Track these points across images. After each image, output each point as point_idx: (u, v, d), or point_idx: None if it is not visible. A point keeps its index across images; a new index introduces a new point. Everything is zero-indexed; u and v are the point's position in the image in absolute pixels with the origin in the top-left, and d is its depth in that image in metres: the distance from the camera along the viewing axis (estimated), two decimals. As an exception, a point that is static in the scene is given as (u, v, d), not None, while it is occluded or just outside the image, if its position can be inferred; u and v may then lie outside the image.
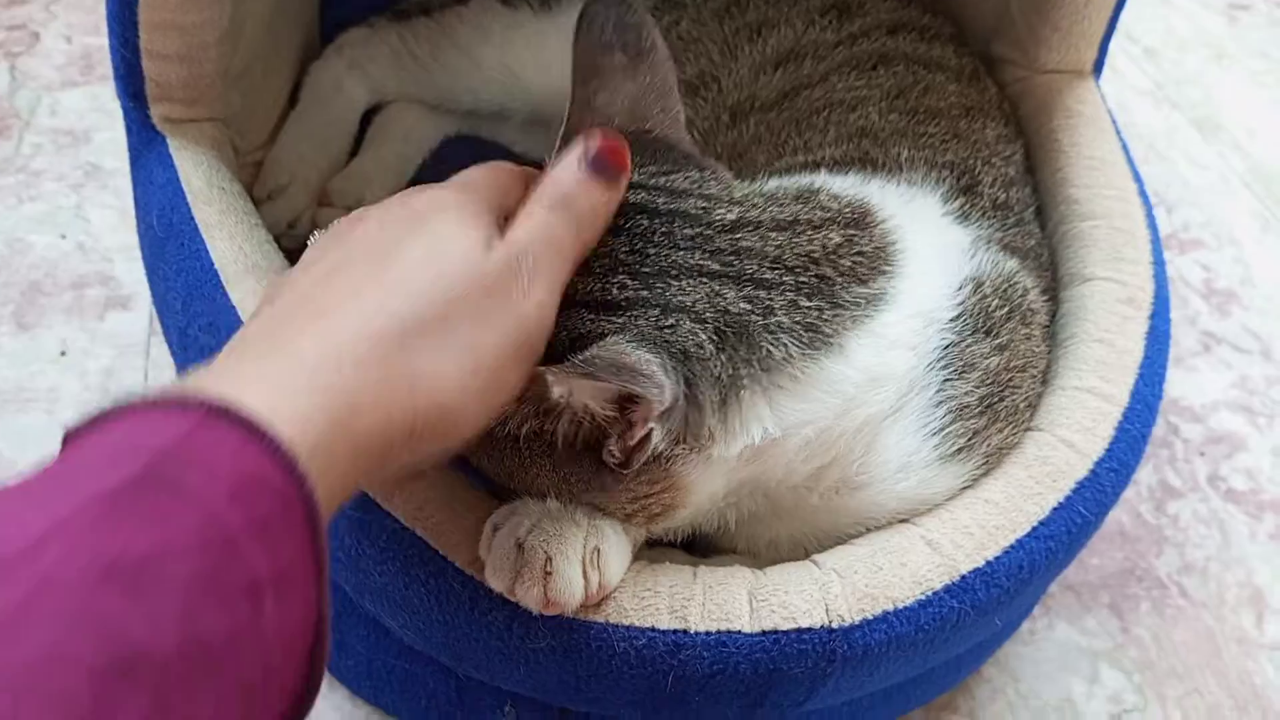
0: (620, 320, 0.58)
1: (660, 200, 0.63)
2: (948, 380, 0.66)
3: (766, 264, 0.62)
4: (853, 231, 0.65)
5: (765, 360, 0.60)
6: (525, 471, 0.61)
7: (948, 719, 0.87)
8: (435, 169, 1.06)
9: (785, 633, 0.61)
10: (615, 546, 0.61)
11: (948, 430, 0.66)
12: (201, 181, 0.77)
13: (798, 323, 0.61)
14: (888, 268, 0.65)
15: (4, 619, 0.35)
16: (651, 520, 0.63)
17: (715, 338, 0.59)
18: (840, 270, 0.63)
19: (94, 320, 1.04)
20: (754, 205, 0.64)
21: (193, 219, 0.73)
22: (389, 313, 0.49)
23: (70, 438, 0.42)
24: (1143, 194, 0.86)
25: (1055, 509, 0.67)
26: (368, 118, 1.07)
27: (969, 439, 0.67)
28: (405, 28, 1.04)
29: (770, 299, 0.61)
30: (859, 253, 0.65)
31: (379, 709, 0.83)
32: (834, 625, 0.61)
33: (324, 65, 1.05)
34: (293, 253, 0.64)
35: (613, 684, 0.61)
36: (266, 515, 0.41)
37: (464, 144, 1.09)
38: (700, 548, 0.71)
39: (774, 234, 0.63)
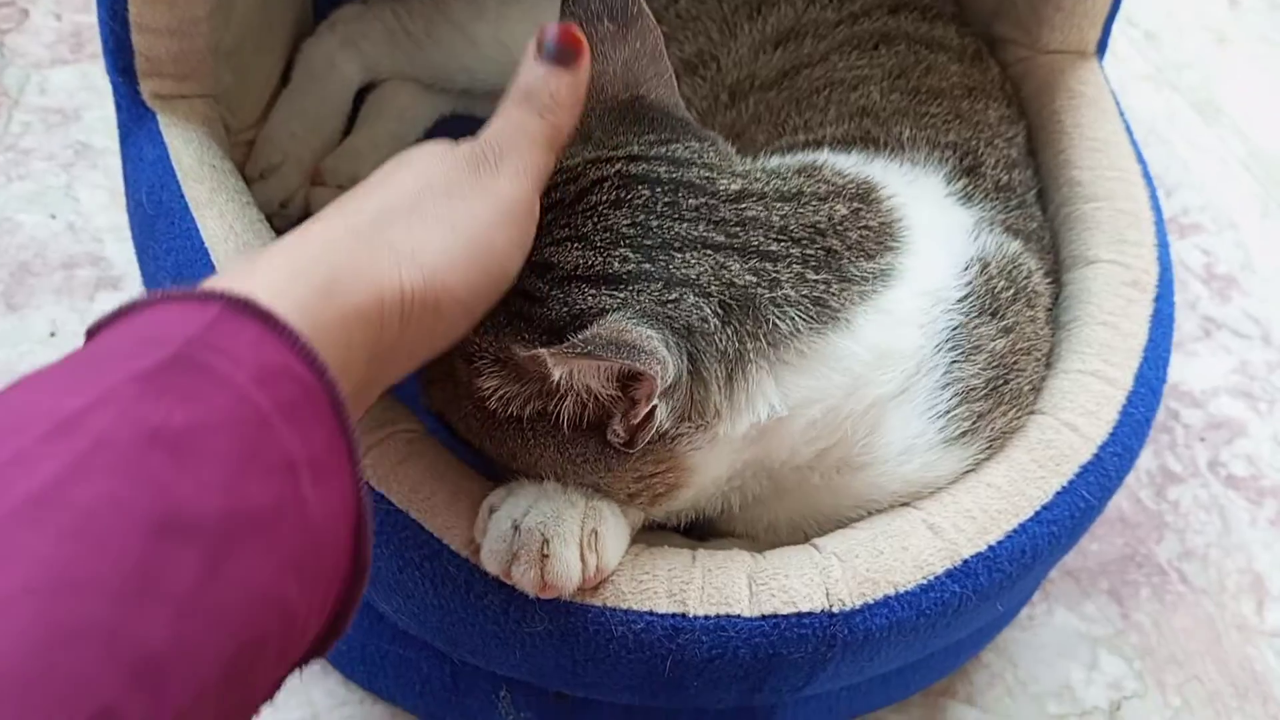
0: (622, 295, 0.57)
1: (662, 169, 0.62)
2: (955, 362, 0.65)
3: (772, 235, 0.61)
4: (858, 205, 0.65)
5: (772, 334, 0.59)
6: (529, 453, 0.60)
7: (946, 704, 0.87)
8: (429, 149, 1.04)
9: (785, 617, 0.60)
10: (614, 529, 0.61)
11: (953, 413, 0.65)
12: (192, 159, 0.76)
13: (805, 296, 0.60)
14: (894, 244, 0.64)
15: (71, 463, 0.36)
16: (655, 501, 0.62)
17: (720, 311, 0.58)
18: (847, 243, 0.62)
19: (84, 301, 1.03)
20: (757, 178, 0.64)
21: (183, 197, 0.72)
22: (361, 209, 0.53)
23: (94, 331, 0.43)
24: (1146, 176, 0.85)
25: (1058, 493, 0.66)
26: (361, 96, 1.06)
27: (973, 422, 0.66)
28: (399, 4, 1.03)
29: (777, 271, 0.60)
30: (865, 227, 0.64)
31: (373, 693, 0.82)
32: (834, 609, 0.61)
33: (317, 42, 1.03)
34: (284, 232, 0.63)
35: (610, 668, 0.61)
36: (292, 401, 0.42)
37: (458, 123, 1.08)
38: (698, 531, 0.70)
39: (779, 204, 0.62)
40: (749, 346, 0.59)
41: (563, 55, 0.59)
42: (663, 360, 0.54)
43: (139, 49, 0.76)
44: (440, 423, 0.65)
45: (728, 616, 0.60)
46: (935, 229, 0.68)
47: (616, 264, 0.58)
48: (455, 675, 0.73)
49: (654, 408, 0.56)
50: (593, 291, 0.58)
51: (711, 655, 0.60)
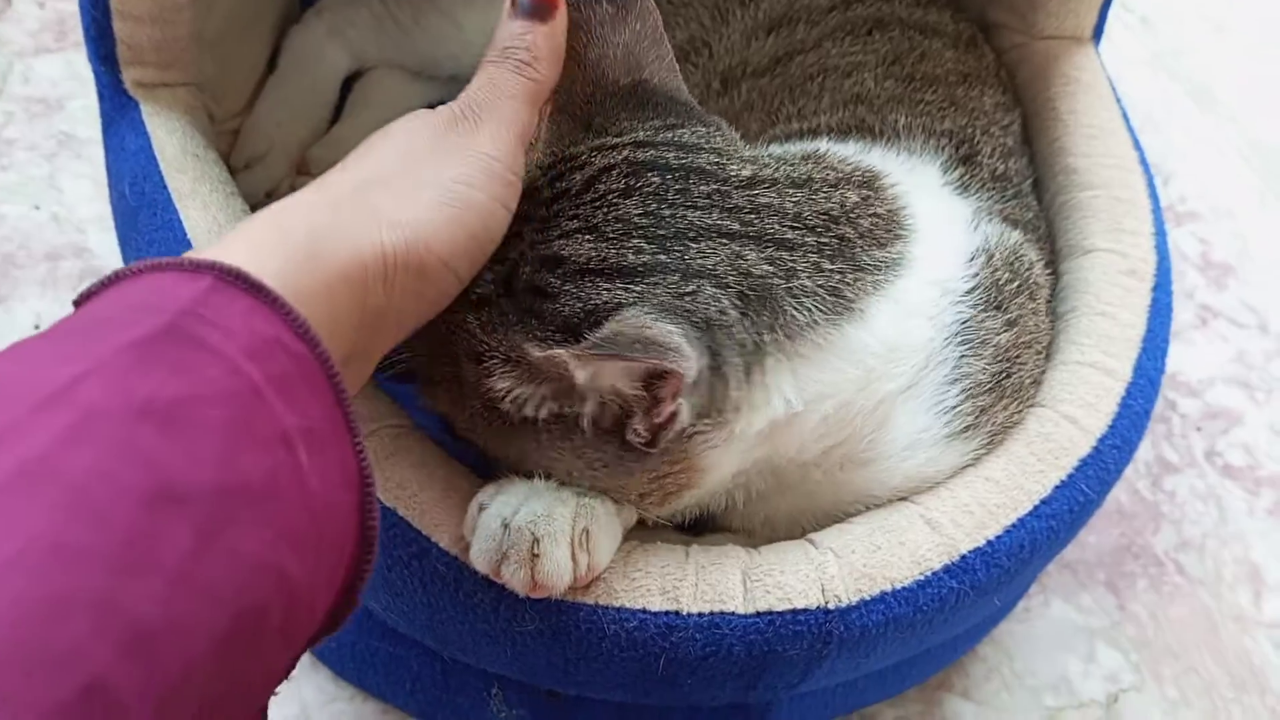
0: (639, 289, 0.56)
1: (670, 155, 0.60)
2: (964, 357, 0.64)
3: (787, 222, 0.59)
4: (867, 192, 0.63)
5: (788, 326, 0.58)
6: (543, 456, 0.59)
7: (943, 698, 0.86)
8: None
9: (780, 614, 0.60)
10: (606, 527, 0.59)
11: (959, 408, 0.64)
12: (175, 149, 0.75)
13: (821, 286, 0.58)
14: (903, 232, 0.63)
15: (62, 435, 0.36)
16: (664, 501, 0.61)
17: (738, 302, 0.57)
18: (859, 231, 0.61)
19: (68, 293, 1.02)
20: (766, 163, 0.62)
21: (165, 188, 0.71)
22: (341, 180, 0.53)
23: (83, 299, 0.44)
24: (1143, 163, 0.84)
25: (1057, 487, 0.65)
26: (348, 84, 1.04)
27: (976, 416, 0.65)
28: (386, -9, 1.02)
29: (793, 260, 0.58)
30: (875, 214, 0.62)
31: (364, 690, 0.81)
32: (830, 606, 0.60)
33: (303, 30, 1.02)
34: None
35: (603, 667, 0.60)
36: (285, 373, 0.42)
37: (447, 112, 1.06)
38: (693, 526, 0.69)
39: (792, 191, 0.61)
40: (766, 339, 0.57)
41: (538, 8, 0.59)
42: (687, 355, 0.52)
43: (120, 36, 0.75)
44: (442, 423, 0.63)
45: (722, 614, 0.59)
46: (938, 218, 0.66)
47: (631, 256, 0.56)
48: (446, 672, 0.72)
49: (679, 405, 0.55)
50: (607, 285, 0.56)
51: (706, 653, 0.59)
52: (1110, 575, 0.94)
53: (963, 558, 0.62)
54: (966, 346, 0.64)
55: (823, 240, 0.60)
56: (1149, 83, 1.35)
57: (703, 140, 0.62)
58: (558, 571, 0.56)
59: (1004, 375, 0.66)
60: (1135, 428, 0.69)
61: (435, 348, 0.59)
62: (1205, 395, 1.07)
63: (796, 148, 0.67)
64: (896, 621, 0.61)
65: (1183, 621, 0.92)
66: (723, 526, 0.69)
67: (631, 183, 0.59)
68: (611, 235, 0.57)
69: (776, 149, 0.66)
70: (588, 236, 0.57)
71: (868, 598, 0.60)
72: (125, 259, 0.80)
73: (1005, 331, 0.66)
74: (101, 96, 0.80)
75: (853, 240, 0.60)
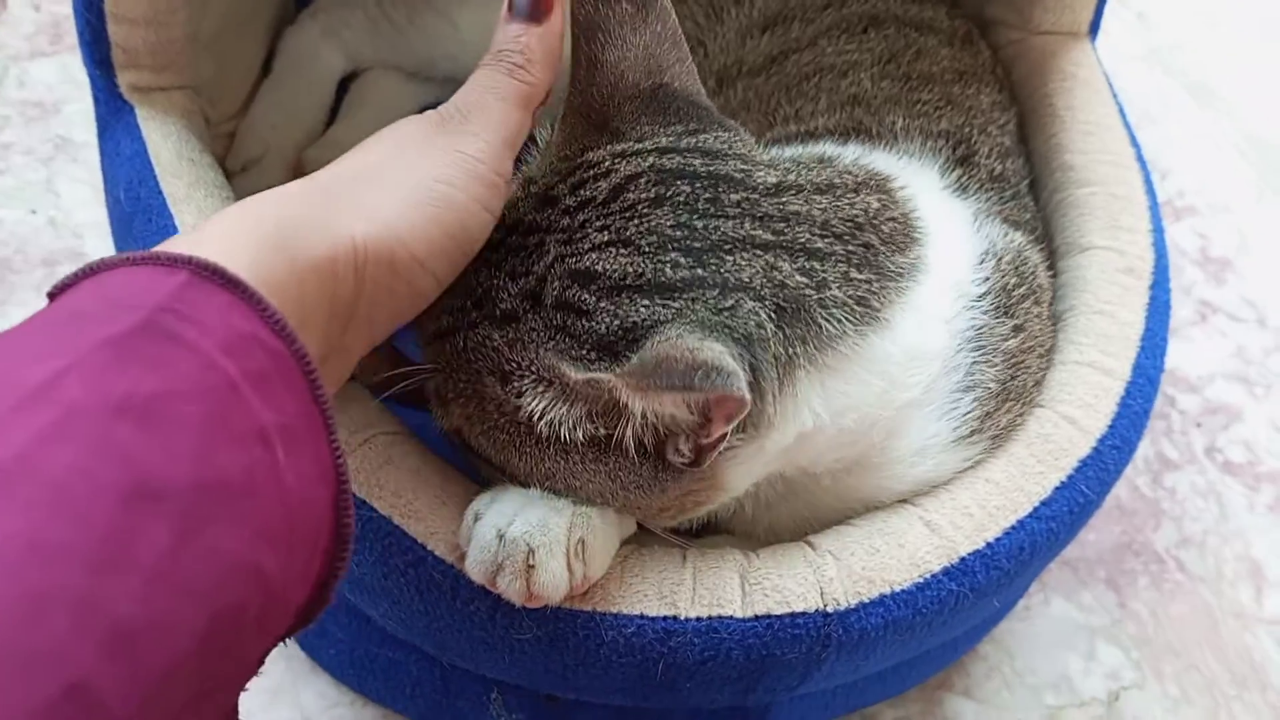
0: (677, 304, 0.54)
1: (697, 162, 0.58)
2: (975, 363, 0.64)
3: (816, 231, 0.58)
4: (883, 196, 0.62)
5: (818, 338, 0.56)
6: (573, 477, 0.57)
7: (943, 697, 0.86)
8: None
9: (778, 617, 0.60)
10: (602, 536, 0.59)
11: (968, 414, 0.64)
12: (170, 153, 0.74)
13: (850, 296, 0.57)
14: (917, 235, 0.62)
15: (40, 433, 0.36)
16: (680, 515, 0.60)
17: (774, 315, 0.55)
18: (882, 237, 0.60)
19: (65, 297, 1.01)
20: (789, 169, 0.60)
21: (160, 193, 0.71)
22: (324, 174, 0.53)
23: (57, 292, 0.43)
24: (1140, 160, 0.84)
25: (1057, 488, 0.65)
26: (344, 85, 1.04)
27: (982, 421, 0.65)
28: (381, -8, 1.01)
29: (824, 270, 0.57)
30: (892, 219, 0.61)
31: (363, 696, 0.81)
32: (829, 609, 0.60)
33: (298, 31, 1.02)
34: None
35: (601, 673, 0.60)
36: (261, 370, 0.42)
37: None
38: (693, 529, 0.69)
39: (818, 197, 0.59)
40: (797, 351, 0.56)
41: (534, 10, 0.58)
42: (740, 376, 0.51)
43: (115, 40, 0.75)
44: (447, 436, 0.62)
45: (720, 618, 0.59)
46: (945, 221, 0.65)
47: (668, 270, 0.55)
48: (446, 678, 0.72)
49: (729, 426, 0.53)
50: (645, 302, 0.54)
51: (704, 657, 0.59)
52: (1111, 573, 0.94)
53: (962, 560, 0.62)
54: (978, 353, 0.64)
55: (850, 249, 0.58)
56: (1146, 77, 1.35)
57: (726, 146, 0.60)
58: (553, 583, 0.56)
59: (1010, 379, 0.66)
60: (1134, 427, 0.69)
61: (451, 363, 0.58)
62: (1205, 391, 1.06)
63: (804, 151, 0.66)
64: (895, 624, 0.61)
65: (1183, 619, 0.92)
66: (723, 529, 0.69)
67: (661, 192, 0.57)
68: (646, 249, 0.55)
69: (788, 151, 0.65)
70: (622, 250, 0.55)
71: (866, 600, 0.60)
72: (121, 264, 0.80)
73: (1013, 338, 0.66)
74: (97, 101, 0.80)
75: (877, 247, 0.59)
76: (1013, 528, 0.63)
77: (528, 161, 0.63)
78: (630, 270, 0.55)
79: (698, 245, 0.55)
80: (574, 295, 0.55)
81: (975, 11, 0.93)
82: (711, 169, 0.58)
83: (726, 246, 0.56)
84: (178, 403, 0.39)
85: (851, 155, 0.67)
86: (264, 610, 0.41)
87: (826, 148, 0.68)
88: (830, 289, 0.57)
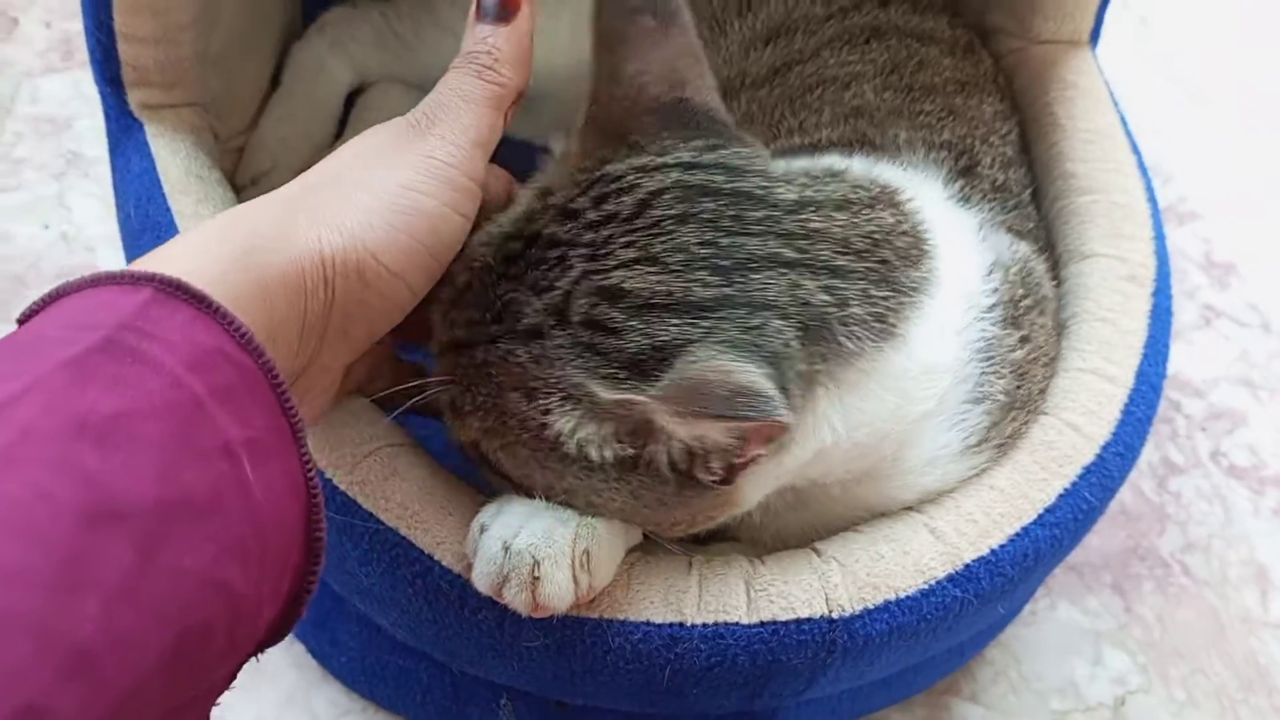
0: (707, 324, 0.53)
1: (720, 179, 0.58)
2: (985, 374, 0.64)
3: (837, 249, 0.57)
4: (895, 210, 0.62)
5: (839, 355, 0.56)
6: (596, 494, 0.57)
7: (950, 702, 0.86)
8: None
9: (784, 623, 0.60)
10: (607, 546, 0.59)
11: (977, 424, 0.64)
12: (179, 170, 0.75)
13: (869, 314, 0.57)
14: (928, 248, 0.62)
15: None
16: (693, 528, 0.60)
17: (800, 333, 0.55)
18: (898, 253, 0.60)
19: (77, 311, 1.02)
20: (805, 183, 0.60)
21: (169, 210, 0.71)
22: (295, 184, 0.53)
23: (26, 317, 0.43)
24: (1141, 167, 0.84)
25: (1061, 495, 0.65)
26: (351, 99, 1.05)
27: (989, 431, 0.65)
28: (388, 6, 1.02)
29: (845, 288, 0.57)
30: (905, 232, 0.61)
31: (374, 703, 0.81)
32: (834, 615, 0.60)
33: (305, 46, 1.02)
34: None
35: (608, 679, 0.60)
36: (228, 385, 0.42)
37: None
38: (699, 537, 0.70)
39: (836, 214, 0.59)
40: (818, 369, 0.55)
41: (501, 10, 0.58)
42: (779, 398, 0.51)
43: (125, 59, 0.76)
44: (471, 455, 0.61)
45: (726, 624, 0.60)
46: (952, 232, 0.65)
47: (698, 289, 0.54)
48: (456, 685, 0.73)
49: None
50: (675, 321, 0.53)
51: (710, 663, 0.60)
52: (1116, 577, 0.94)
53: (966, 566, 0.62)
54: (987, 364, 0.64)
55: (869, 265, 0.58)
56: (1148, 82, 1.35)
57: (746, 162, 0.60)
58: (559, 594, 0.56)
59: (1016, 388, 0.66)
60: (1138, 434, 0.69)
61: (469, 376, 0.57)
62: (1209, 396, 1.07)
63: (814, 164, 0.65)
64: (900, 630, 0.61)
65: (1189, 623, 0.92)
66: (729, 536, 0.69)
67: (687, 209, 0.56)
68: (675, 267, 0.55)
69: (798, 164, 0.65)
70: (651, 269, 0.55)
71: (871, 607, 0.61)
72: (133, 279, 0.81)
73: (1020, 349, 0.66)
74: (108, 118, 0.81)
75: (893, 263, 0.59)
76: (1017, 534, 0.64)
77: (543, 171, 0.63)
78: (660, 288, 0.54)
79: (725, 263, 0.55)
80: (602, 312, 0.54)
81: (976, 20, 0.93)
82: (734, 185, 0.58)
83: (753, 264, 0.55)
84: (140, 421, 0.38)
85: (859, 168, 0.67)
86: (233, 627, 0.40)
87: (834, 160, 0.68)
88: (851, 307, 0.57)
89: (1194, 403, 1.06)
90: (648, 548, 0.64)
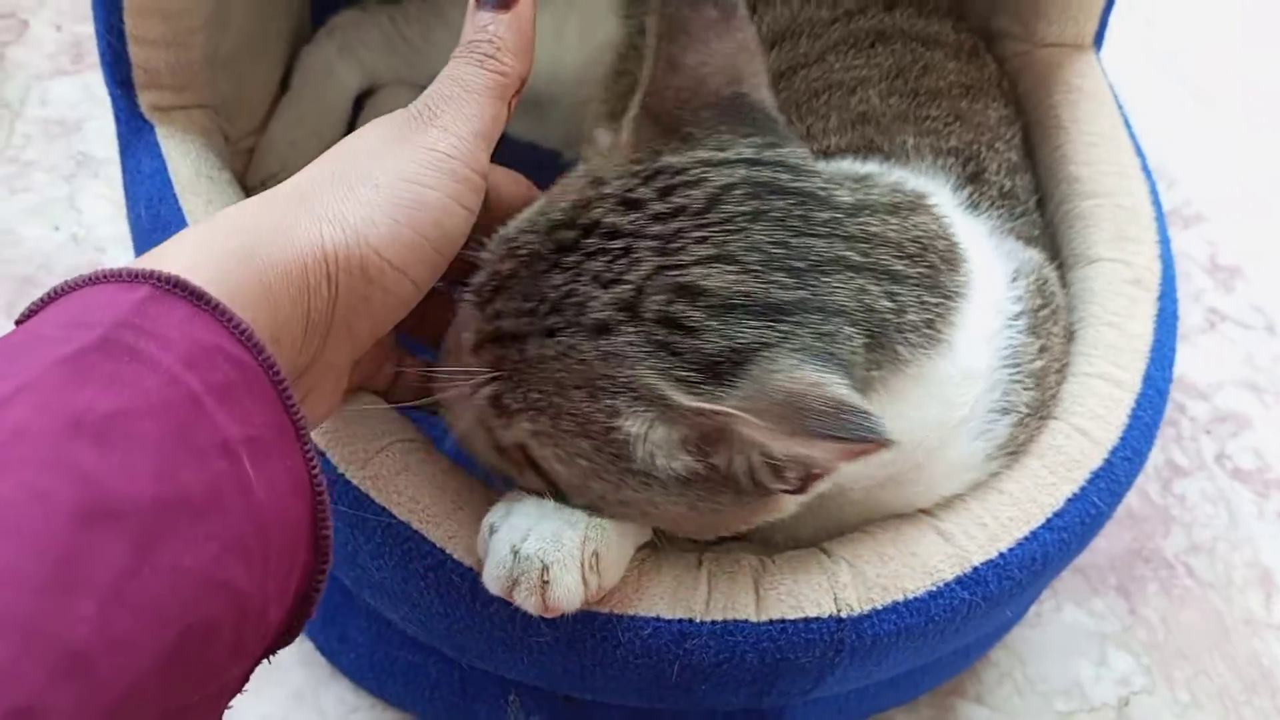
0: (784, 328, 0.52)
1: (784, 177, 0.56)
2: (1011, 383, 0.64)
3: (894, 253, 0.57)
4: (930, 215, 0.61)
5: (894, 362, 0.55)
6: (653, 505, 0.56)
7: (955, 703, 0.87)
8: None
9: (792, 622, 0.60)
10: (616, 547, 0.58)
11: (1000, 434, 0.65)
12: (189, 171, 0.76)
13: (922, 320, 0.56)
14: (961, 254, 0.61)
15: None
16: (724, 533, 0.60)
17: (867, 340, 0.54)
18: (942, 257, 0.59)
19: (87, 312, 1.03)
20: (854, 187, 0.59)
21: (180, 210, 0.72)
22: (297, 180, 0.52)
23: (24, 318, 0.43)
24: (1146, 170, 0.84)
25: (1070, 499, 0.66)
26: (360, 101, 1.06)
27: (1008, 440, 0.66)
28: (396, 9, 1.03)
29: (903, 294, 0.56)
30: (943, 237, 0.61)
31: (383, 700, 0.82)
32: (842, 615, 0.61)
33: (315, 49, 1.03)
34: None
35: (618, 674, 0.61)
36: (226, 382, 0.41)
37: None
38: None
39: (890, 218, 0.58)
40: (874, 375, 0.55)
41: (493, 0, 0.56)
42: (876, 415, 0.49)
43: (136, 61, 0.76)
44: (511, 456, 0.58)
45: (735, 621, 0.60)
46: (974, 239, 0.65)
47: (776, 291, 0.52)
48: (464, 680, 0.73)
49: None
50: (754, 324, 0.52)
51: (719, 660, 0.60)
52: (1121, 579, 0.94)
53: (974, 569, 0.63)
54: (1013, 371, 0.64)
55: (921, 270, 0.57)
56: (1153, 85, 1.35)
57: (803, 162, 0.58)
58: (568, 596, 0.55)
59: (1036, 400, 0.67)
60: (1145, 438, 0.70)
61: (519, 372, 0.55)
62: (1214, 398, 1.07)
63: (850, 167, 0.65)
64: (908, 631, 0.61)
65: (1194, 625, 0.92)
66: (740, 536, 0.69)
67: (758, 206, 0.55)
68: (753, 266, 0.53)
69: (833, 167, 0.63)
70: (729, 267, 0.53)
71: (879, 607, 0.61)
72: (144, 280, 0.81)
73: (1040, 358, 0.66)
74: (118, 120, 0.82)
75: (939, 267, 0.58)
76: (1025, 538, 0.64)
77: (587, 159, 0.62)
78: (739, 289, 0.52)
79: (799, 265, 0.53)
80: (679, 310, 0.52)
81: (981, 24, 0.93)
82: (797, 185, 0.56)
83: (824, 267, 0.54)
84: (136, 419, 0.38)
85: (893, 176, 0.66)
86: (239, 626, 0.40)
87: (856, 165, 0.67)
88: (908, 314, 0.56)
89: (1199, 406, 1.06)
90: (657, 545, 0.65)
